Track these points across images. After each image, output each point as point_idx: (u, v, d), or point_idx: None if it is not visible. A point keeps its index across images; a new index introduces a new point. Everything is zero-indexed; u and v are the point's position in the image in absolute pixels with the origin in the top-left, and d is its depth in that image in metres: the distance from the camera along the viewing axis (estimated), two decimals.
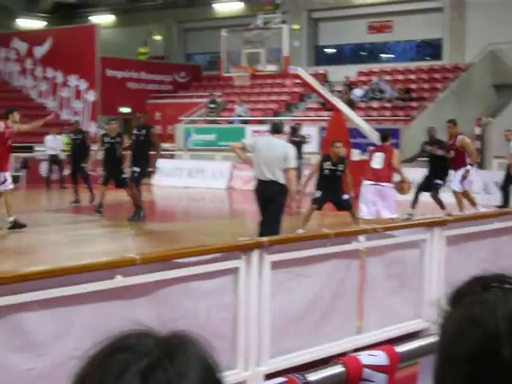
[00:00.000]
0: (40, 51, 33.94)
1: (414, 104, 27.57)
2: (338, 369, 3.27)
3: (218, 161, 27.29)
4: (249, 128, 27.71)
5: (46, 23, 39.38)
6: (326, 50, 34.95)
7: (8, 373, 4.37)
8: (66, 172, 22.84)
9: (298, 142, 20.21)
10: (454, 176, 15.82)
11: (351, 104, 25.42)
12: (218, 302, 5.54)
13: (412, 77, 29.81)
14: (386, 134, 15.32)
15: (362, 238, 6.64)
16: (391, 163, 14.28)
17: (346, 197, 13.66)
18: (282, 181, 10.68)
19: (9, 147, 14.61)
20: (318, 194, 13.76)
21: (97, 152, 18.09)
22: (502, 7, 27.43)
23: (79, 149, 20.30)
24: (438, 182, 15.80)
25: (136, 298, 4.98)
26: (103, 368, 1.07)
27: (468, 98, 25.89)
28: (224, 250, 5.71)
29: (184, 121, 30.87)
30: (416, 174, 16.55)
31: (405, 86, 28.64)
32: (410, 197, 15.70)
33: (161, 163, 27.13)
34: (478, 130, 24.53)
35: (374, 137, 19.08)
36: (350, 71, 30.89)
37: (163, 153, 28.91)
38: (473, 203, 15.88)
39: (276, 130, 11.19)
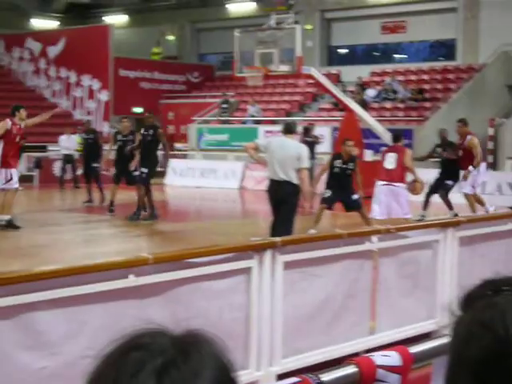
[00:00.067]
0: (54, 51, 34.05)
1: (427, 104, 27.50)
2: (351, 369, 3.27)
3: (230, 161, 27.31)
4: (261, 128, 27.72)
5: (59, 23, 39.51)
6: (338, 50, 34.93)
7: (21, 371, 4.38)
8: (79, 172, 22.90)
9: (310, 143, 20.18)
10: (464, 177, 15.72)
11: (364, 104, 25.38)
12: (231, 302, 5.54)
13: (425, 77, 29.74)
14: (397, 135, 15.29)
15: (374, 238, 6.63)
16: (404, 163, 14.26)
17: (355, 196, 13.65)
18: (295, 181, 10.68)
19: (17, 144, 14.62)
20: (328, 193, 13.76)
21: (109, 152, 18.14)
22: None
23: (91, 148, 20.33)
24: (449, 182, 15.79)
25: (149, 298, 4.99)
26: (118, 366, 1.07)
27: (481, 99, 25.80)
28: (237, 250, 5.70)
29: (197, 121, 30.89)
30: (429, 175, 16.51)
31: (418, 86, 28.57)
32: (422, 197, 15.69)
33: (173, 163, 27.30)
34: (491, 131, 24.46)
35: (387, 137, 19.04)
36: (363, 71, 30.86)
37: (176, 153, 29.08)
38: (481, 203, 15.83)
39: (289, 130, 11.19)
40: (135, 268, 4.88)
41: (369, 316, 6.60)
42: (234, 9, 36.14)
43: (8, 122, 14.30)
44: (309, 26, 32.58)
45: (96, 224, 16.55)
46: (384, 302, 6.73)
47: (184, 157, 29.42)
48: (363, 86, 29.57)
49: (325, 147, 24.01)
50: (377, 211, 14.38)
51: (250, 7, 35.08)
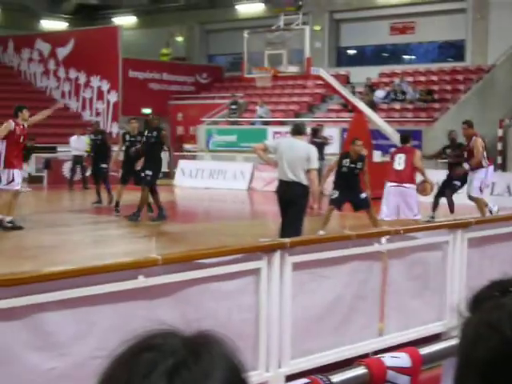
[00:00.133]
0: (63, 52, 34.13)
1: (436, 105, 27.47)
2: (361, 370, 3.27)
3: (239, 162, 27.32)
4: (270, 129, 27.72)
5: (68, 24, 39.61)
6: (347, 51, 34.91)
7: (30, 372, 4.39)
8: (89, 172, 22.94)
9: (319, 144, 20.18)
10: (472, 180, 15.65)
11: (373, 105, 25.36)
12: (240, 303, 5.54)
13: (434, 78, 29.71)
14: (406, 136, 15.26)
15: (383, 239, 6.62)
16: (413, 164, 14.24)
17: (363, 195, 13.66)
18: (304, 182, 10.68)
19: (20, 145, 14.65)
20: (336, 194, 13.77)
21: (118, 153, 18.18)
22: None
23: (99, 149, 20.34)
24: (456, 183, 15.79)
25: (158, 299, 4.99)
26: (130, 367, 1.07)
27: (491, 100, 25.75)
28: (246, 251, 5.70)
29: (206, 122, 30.92)
30: (438, 176, 16.49)
31: (427, 87, 28.54)
32: (431, 199, 15.68)
33: (182, 164, 27.34)
34: (500, 132, 24.39)
35: (396, 138, 19.02)
36: (372, 72, 30.84)
37: (185, 154, 29.12)
38: (484, 204, 15.81)
39: (298, 131, 11.19)
40: (144, 269, 4.89)
41: (378, 317, 6.59)
42: (242, 10, 36.16)
43: (11, 123, 14.32)
44: (317, 27, 32.59)
45: (105, 225, 16.58)
46: (393, 303, 6.73)
47: (193, 158, 29.47)
48: (372, 86, 29.56)
49: (334, 148, 23.97)
50: (385, 212, 14.36)
51: (259, 8, 35.08)
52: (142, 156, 16.35)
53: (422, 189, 14.32)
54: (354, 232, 6.40)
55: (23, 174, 17.06)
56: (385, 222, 13.12)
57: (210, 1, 36.72)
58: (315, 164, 10.80)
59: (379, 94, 29.03)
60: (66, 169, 26.13)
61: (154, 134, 16.07)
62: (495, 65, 27.41)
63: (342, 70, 32.56)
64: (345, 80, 30.33)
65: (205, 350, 1.10)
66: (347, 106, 25.83)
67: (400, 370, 3.32)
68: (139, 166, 16.29)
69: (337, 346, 6.12)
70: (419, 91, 28.32)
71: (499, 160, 23.45)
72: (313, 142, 17.80)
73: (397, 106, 28.35)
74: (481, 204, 15.55)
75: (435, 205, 15.92)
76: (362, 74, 30.53)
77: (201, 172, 27.16)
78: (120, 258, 5.73)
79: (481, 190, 15.62)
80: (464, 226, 7.33)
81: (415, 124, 26.10)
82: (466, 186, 15.82)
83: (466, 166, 15.64)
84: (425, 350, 3.63)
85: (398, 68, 31.20)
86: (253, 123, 30.01)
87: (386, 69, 31.58)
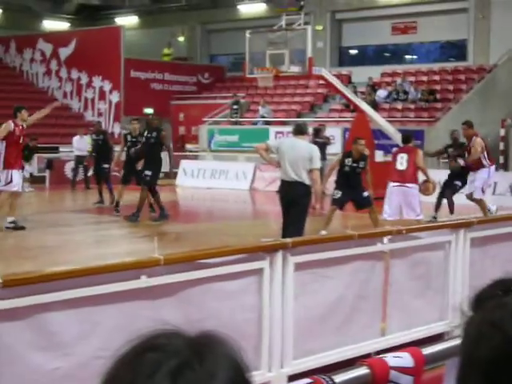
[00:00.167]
0: (65, 52, 34.14)
1: (438, 105, 27.46)
2: (363, 370, 3.27)
3: (241, 162, 27.31)
4: (272, 129, 27.70)
5: (70, 25, 39.62)
6: (349, 51, 34.90)
7: (34, 372, 4.39)
8: (90, 172, 22.95)
9: (321, 144, 20.15)
10: (474, 181, 15.64)
11: (375, 105, 25.35)
12: (242, 303, 5.55)
13: (436, 78, 29.70)
14: (407, 136, 15.24)
15: (386, 239, 6.62)
16: (416, 163, 14.23)
17: (365, 194, 13.68)
18: (306, 182, 10.67)
19: (20, 145, 14.66)
20: (338, 194, 13.77)
21: (120, 153, 18.19)
22: None
23: (101, 149, 20.34)
24: (457, 183, 15.79)
25: (160, 299, 4.99)
26: (134, 367, 1.08)
27: (493, 100, 25.73)
28: (248, 251, 5.70)
29: (207, 122, 30.91)
30: (440, 175, 16.48)
31: (429, 87, 28.52)
32: (433, 199, 15.67)
33: (184, 164, 27.33)
34: (502, 132, 24.38)
35: (398, 138, 19.02)
36: (374, 72, 30.82)
37: (187, 154, 29.11)
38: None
39: (300, 131, 11.18)
40: (147, 269, 4.89)
41: (380, 317, 6.59)
42: (244, 10, 36.14)
43: (10, 124, 14.31)
44: (319, 27, 32.57)
45: (107, 225, 16.58)
46: (395, 303, 6.72)
47: (195, 158, 29.46)
48: (374, 86, 29.54)
49: (336, 148, 23.94)
50: (388, 212, 14.35)
51: (261, 8, 35.06)
52: (142, 156, 16.39)
53: (425, 188, 14.31)
54: (356, 232, 6.40)
55: (24, 174, 17.05)
56: (387, 222, 13.12)
57: (211, 1, 36.71)
58: (317, 164, 10.79)
59: (381, 93, 29.02)
60: (68, 169, 26.13)
61: (154, 134, 16.09)
62: (497, 64, 27.39)
63: (344, 70, 32.56)
64: (347, 80, 30.34)
65: (208, 350, 1.10)
66: (349, 106, 25.82)
67: (403, 369, 3.32)
68: (140, 166, 16.33)
69: (339, 346, 6.12)
70: (421, 91, 28.30)
71: (501, 160, 23.43)
72: (315, 142, 17.76)
73: (399, 105, 28.34)
74: (483, 204, 15.55)
75: (438, 205, 15.91)
76: (363, 74, 30.52)
77: (203, 172, 27.15)
78: (122, 258, 5.73)
79: (483, 191, 15.61)
80: (466, 225, 7.33)
81: (417, 124, 26.10)
82: (466, 186, 15.82)
83: (460, 161, 15.64)
84: (427, 350, 3.62)
85: (399, 68, 31.19)
86: (255, 123, 30.00)
87: (388, 68, 31.57)
